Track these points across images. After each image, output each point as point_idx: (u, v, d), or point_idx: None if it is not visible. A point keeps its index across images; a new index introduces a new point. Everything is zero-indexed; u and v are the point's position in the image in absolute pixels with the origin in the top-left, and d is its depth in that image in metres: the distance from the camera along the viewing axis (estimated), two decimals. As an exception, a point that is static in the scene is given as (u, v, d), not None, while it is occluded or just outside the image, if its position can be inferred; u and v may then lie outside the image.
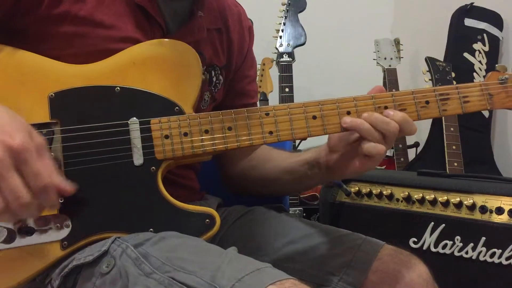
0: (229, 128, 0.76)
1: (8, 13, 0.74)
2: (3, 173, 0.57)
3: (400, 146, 2.01)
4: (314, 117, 0.77)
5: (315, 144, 0.90)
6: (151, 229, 0.72)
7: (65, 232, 0.71)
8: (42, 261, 0.70)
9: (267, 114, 0.77)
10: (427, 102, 0.79)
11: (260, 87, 2.10)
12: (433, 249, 1.10)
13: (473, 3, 1.94)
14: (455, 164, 1.71)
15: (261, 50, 1.95)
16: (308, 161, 0.89)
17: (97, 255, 0.68)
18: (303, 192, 1.84)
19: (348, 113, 0.77)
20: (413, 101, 0.79)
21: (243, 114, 0.76)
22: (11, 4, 0.74)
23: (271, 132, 0.76)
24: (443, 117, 1.71)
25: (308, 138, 0.80)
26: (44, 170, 0.60)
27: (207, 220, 0.73)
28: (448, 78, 1.80)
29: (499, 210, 1.04)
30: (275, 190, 1.02)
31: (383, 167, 1.92)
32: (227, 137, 0.75)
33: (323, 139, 0.83)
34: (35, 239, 0.70)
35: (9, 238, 0.69)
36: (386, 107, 0.77)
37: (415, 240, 1.13)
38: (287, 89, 1.75)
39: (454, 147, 1.73)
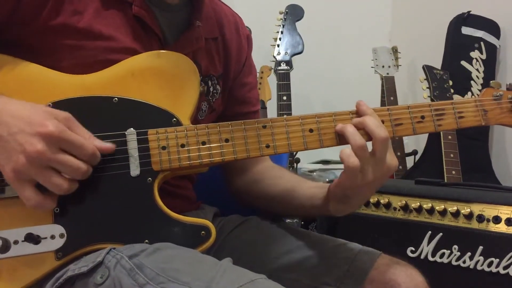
0: (226, 140, 0.76)
1: (3, 24, 0.74)
2: (54, 157, 0.65)
3: (399, 154, 2.01)
4: (311, 130, 0.77)
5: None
6: (147, 241, 0.71)
7: (60, 242, 0.71)
8: (36, 271, 0.70)
9: (264, 127, 0.77)
10: (422, 117, 0.80)
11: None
12: (430, 258, 1.10)
13: (470, 11, 1.95)
14: (453, 172, 1.71)
15: (259, 58, 1.96)
16: (322, 185, 0.86)
17: (92, 266, 0.68)
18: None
19: None
20: (408, 115, 0.79)
21: (240, 126, 0.76)
22: (5, 16, 0.74)
23: (268, 145, 0.77)
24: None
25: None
26: (83, 140, 0.68)
27: (203, 232, 0.73)
28: (445, 86, 1.80)
29: (496, 219, 1.04)
30: (274, 208, 0.97)
31: (381, 175, 1.91)
32: (224, 149, 0.76)
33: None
34: (30, 249, 0.70)
35: (4, 248, 0.69)
36: (382, 122, 0.77)
37: (413, 249, 1.13)
38: (284, 97, 1.76)
39: (452, 155, 1.73)
